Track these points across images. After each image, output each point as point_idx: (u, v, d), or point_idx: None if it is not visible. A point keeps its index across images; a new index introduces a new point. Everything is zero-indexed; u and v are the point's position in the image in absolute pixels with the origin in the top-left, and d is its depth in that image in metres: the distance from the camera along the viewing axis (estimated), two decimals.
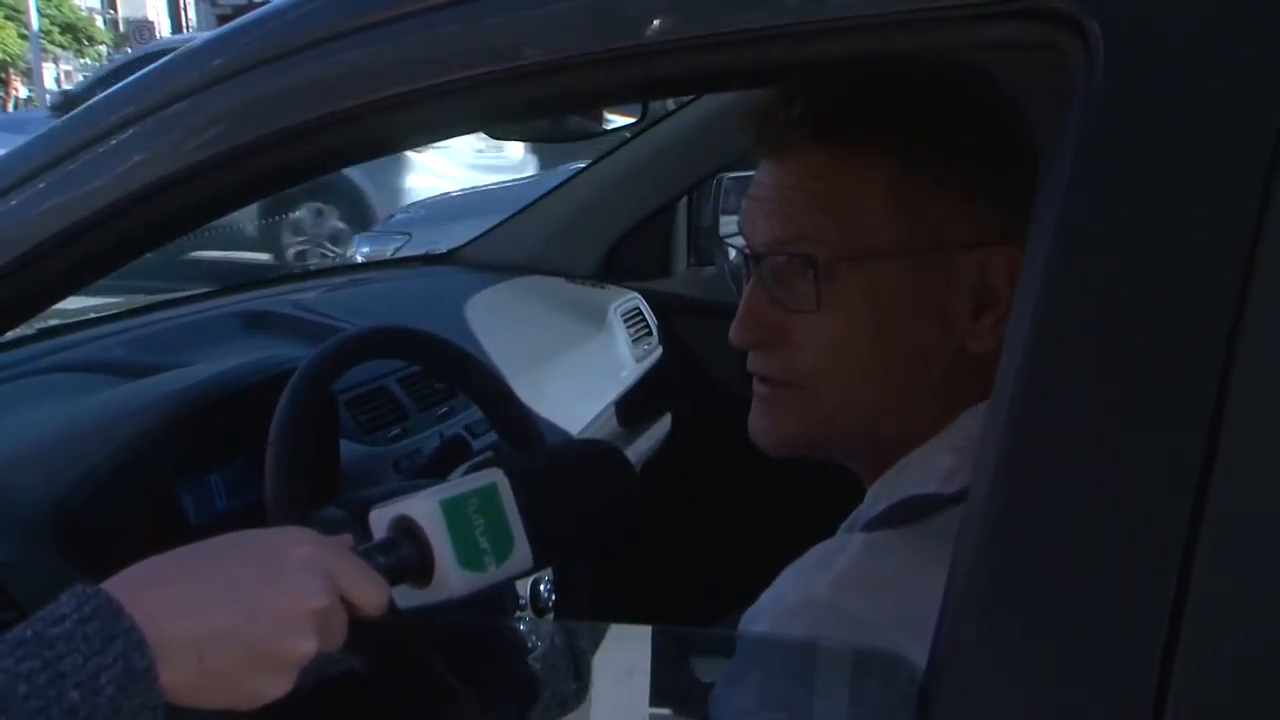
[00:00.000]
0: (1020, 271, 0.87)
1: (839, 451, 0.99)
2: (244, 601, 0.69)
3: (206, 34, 1.01)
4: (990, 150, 0.89)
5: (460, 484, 0.84)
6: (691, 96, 2.20)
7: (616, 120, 2.01)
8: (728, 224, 2.46)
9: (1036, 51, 0.70)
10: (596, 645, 0.85)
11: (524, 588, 1.49)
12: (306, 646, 0.70)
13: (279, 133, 0.86)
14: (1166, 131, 0.66)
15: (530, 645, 0.98)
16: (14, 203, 0.93)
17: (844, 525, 0.96)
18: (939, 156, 0.91)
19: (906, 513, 0.89)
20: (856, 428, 0.95)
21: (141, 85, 0.94)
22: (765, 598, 0.88)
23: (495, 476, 0.84)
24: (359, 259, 5.51)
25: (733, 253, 1.11)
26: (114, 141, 0.90)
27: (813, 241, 0.91)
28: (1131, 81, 0.66)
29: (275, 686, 0.70)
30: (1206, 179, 0.65)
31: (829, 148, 0.92)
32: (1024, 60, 0.71)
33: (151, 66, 0.94)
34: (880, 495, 0.93)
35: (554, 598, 1.52)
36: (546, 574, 1.50)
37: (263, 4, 0.93)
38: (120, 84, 0.95)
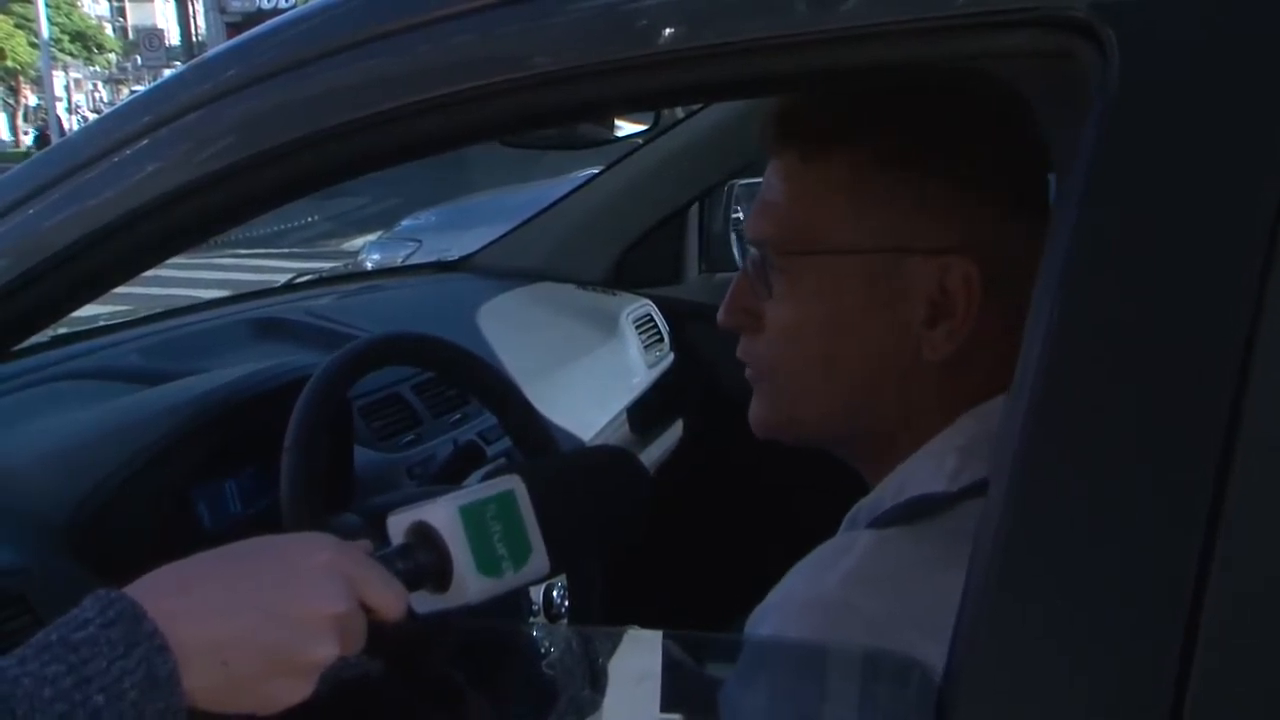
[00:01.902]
0: (977, 285, 0.89)
1: (812, 441, 1.00)
2: (265, 606, 0.70)
3: (221, 45, 1.02)
4: (958, 164, 0.91)
5: (477, 490, 0.84)
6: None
7: (628, 128, 2.01)
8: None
9: (1052, 59, 0.70)
10: (610, 650, 0.85)
11: (537, 593, 1.49)
12: (326, 651, 0.71)
13: (287, 144, 0.87)
14: (1181, 138, 0.66)
15: (544, 651, 0.98)
16: (32, 212, 0.94)
17: (845, 522, 0.97)
18: (903, 165, 0.92)
19: (914, 510, 0.89)
20: (820, 420, 0.97)
21: (157, 96, 0.94)
22: (773, 596, 0.88)
23: (512, 483, 0.84)
24: (369, 266, 5.52)
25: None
26: (129, 151, 0.91)
27: (768, 243, 0.96)
28: (1146, 89, 0.67)
29: (295, 691, 0.71)
30: (1221, 185, 0.65)
31: (796, 149, 0.95)
32: (1039, 68, 0.71)
33: (165, 76, 0.95)
34: (884, 494, 0.93)
35: (567, 603, 1.52)
36: (560, 579, 1.50)
37: (272, 11, 0.94)
38: (133, 95, 0.96)
